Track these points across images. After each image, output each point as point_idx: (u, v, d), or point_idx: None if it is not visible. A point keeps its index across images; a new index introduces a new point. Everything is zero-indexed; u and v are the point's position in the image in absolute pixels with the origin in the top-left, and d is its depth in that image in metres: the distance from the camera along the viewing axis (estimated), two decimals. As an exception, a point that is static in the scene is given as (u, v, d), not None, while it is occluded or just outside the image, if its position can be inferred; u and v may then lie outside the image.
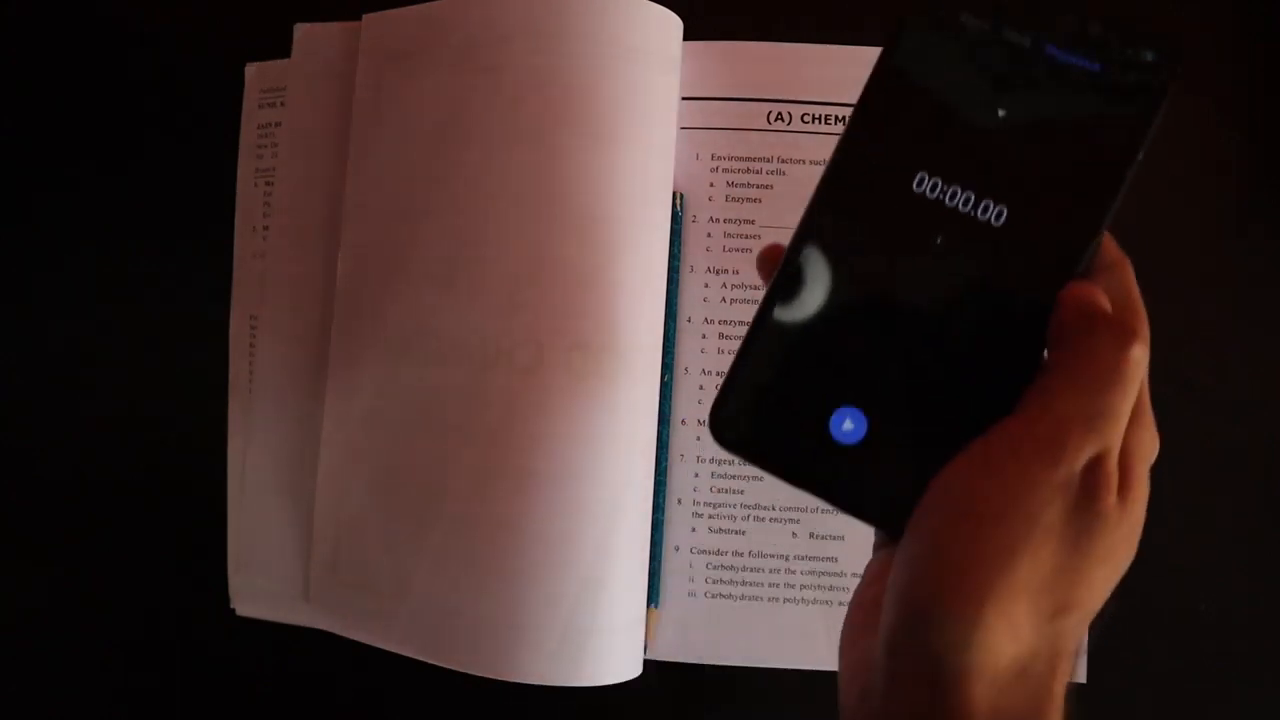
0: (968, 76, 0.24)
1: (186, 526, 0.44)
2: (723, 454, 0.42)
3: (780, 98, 0.42)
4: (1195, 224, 0.41)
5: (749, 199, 0.42)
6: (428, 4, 0.41)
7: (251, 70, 0.44)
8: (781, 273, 0.25)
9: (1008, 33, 0.24)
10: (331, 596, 0.41)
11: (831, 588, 0.41)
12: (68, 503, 0.45)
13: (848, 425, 0.24)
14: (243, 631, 0.43)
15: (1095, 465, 0.21)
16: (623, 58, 0.38)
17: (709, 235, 0.42)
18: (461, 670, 0.38)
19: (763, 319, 0.25)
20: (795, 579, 0.41)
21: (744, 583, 0.41)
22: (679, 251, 0.42)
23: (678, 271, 0.42)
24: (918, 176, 0.24)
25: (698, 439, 0.42)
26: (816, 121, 0.42)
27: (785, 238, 0.25)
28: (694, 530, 0.42)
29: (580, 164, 0.38)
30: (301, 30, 0.43)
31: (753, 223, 0.42)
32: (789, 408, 0.24)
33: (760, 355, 0.25)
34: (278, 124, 0.44)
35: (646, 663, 0.40)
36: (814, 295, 0.24)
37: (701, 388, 0.42)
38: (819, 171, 0.25)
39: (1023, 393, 0.23)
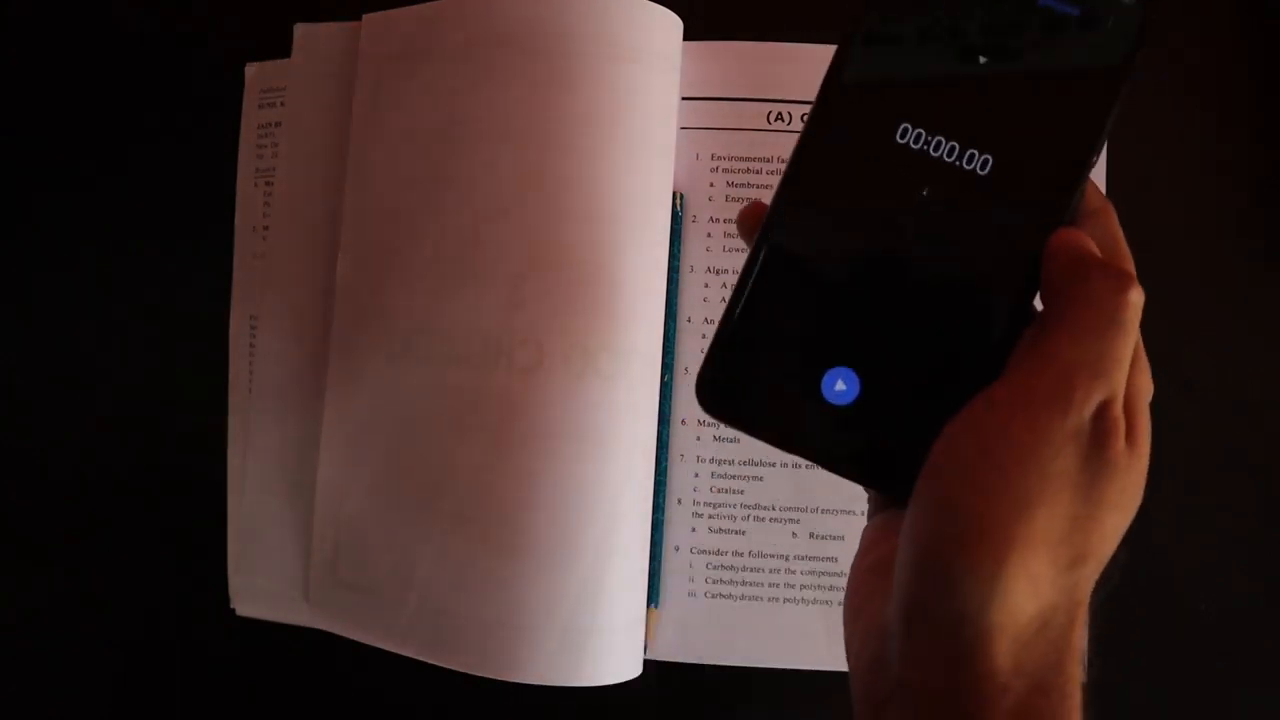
0: (947, 24, 0.24)
1: (186, 526, 0.44)
2: (723, 454, 0.42)
3: (780, 98, 0.42)
4: (1195, 224, 0.41)
5: (749, 199, 0.42)
6: (428, 4, 0.41)
7: (251, 70, 0.44)
8: (765, 233, 0.24)
9: None
10: (331, 596, 0.41)
11: (831, 588, 0.41)
12: (68, 503, 0.45)
13: (840, 386, 0.24)
14: (243, 631, 0.43)
15: (1103, 412, 0.21)
16: (623, 58, 0.38)
17: (709, 235, 0.42)
18: (462, 670, 0.38)
19: (747, 281, 0.24)
20: (795, 579, 0.41)
21: (744, 583, 0.41)
22: (679, 251, 0.42)
23: (678, 271, 0.42)
24: (900, 128, 0.24)
25: (697, 439, 0.42)
26: (816, 121, 0.42)
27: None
28: (694, 530, 0.42)
29: (580, 164, 0.38)
30: (301, 30, 0.43)
31: (753, 223, 0.42)
32: (779, 371, 0.24)
33: (746, 319, 0.24)
34: (278, 124, 0.44)
35: (646, 663, 0.40)
36: (799, 254, 0.24)
37: (701, 388, 0.42)
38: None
39: (1015, 343, 0.23)
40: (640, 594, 0.40)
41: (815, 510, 0.41)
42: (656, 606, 0.41)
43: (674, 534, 0.42)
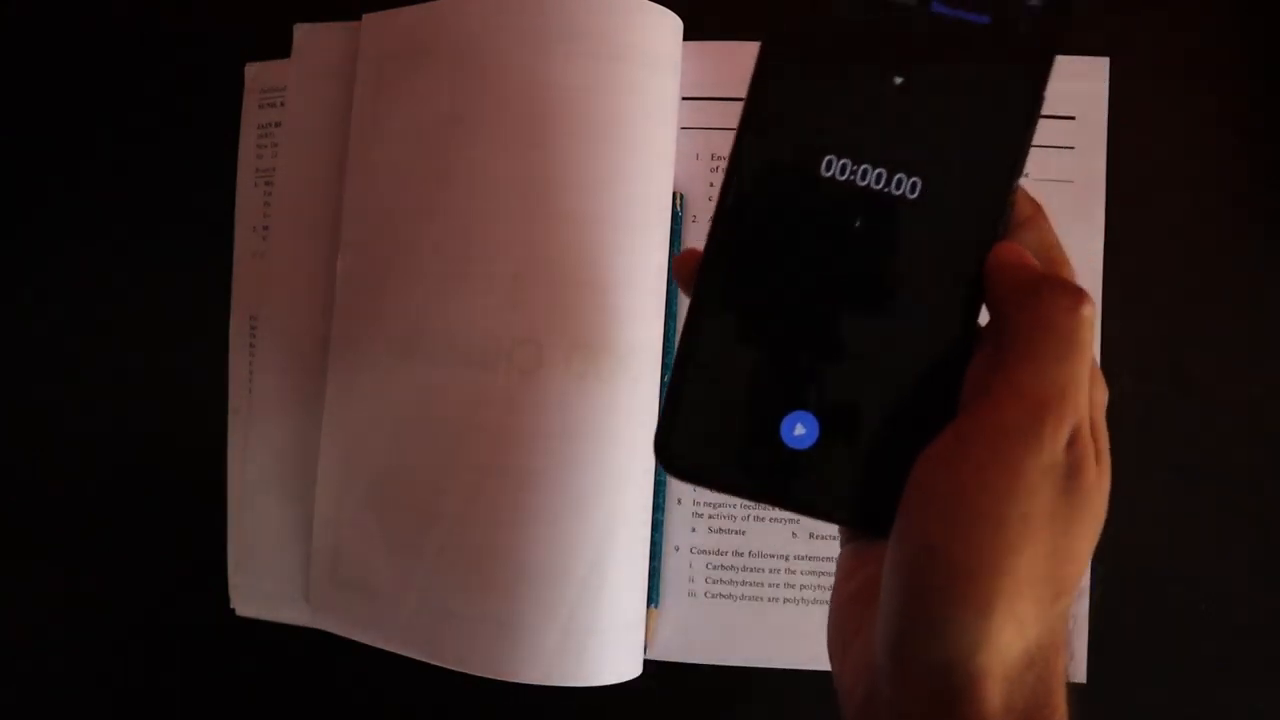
0: (858, 47, 0.23)
1: (186, 526, 0.44)
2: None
3: (780, 98, 0.42)
4: (1195, 224, 0.41)
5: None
6: (428, 4, 0.41)
7: (251, 70, 0.44)
8: (703, 284, 0.24)
9: None
10: (331, 596, 0.41)
11: (831, 588, 0.41)
12: (68, 503, 0.45)
13: (799, 430, 0.23)
14: (243, 631, 0.43)
15: (1073, 441, 0.21)
16: (622, 58, 0.38)
17: (709, 235, 0.42)
18: (461, 670, 0.38)
19: (693, 335, 0.24)
20: (795, 579, 0.41)
21: (744, 583, 0.41)
22: (679, 251, 0.42)
23: (678, 271, 0.42)
24: (825, 160, 0.23)
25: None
26: (816, 121, 0.42)
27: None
28: (694, 530, 0.42)
29: (580, 164, 0.38)
30: (301, 30, 0.43)
31: (753, 223, 0.42)
32: (736, 423, 0.24)
33: (696, 374, 0.24)
34: (278, 124, 0.44)
35: (646, 663, 0.40)
36: (741, 302, 0.24)
37: (701, 388, 0.42)
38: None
39: (968, 362, 0.23)
40: (640, 594, 0.40)
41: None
42: (656, 606, 0.41)
43: (674, 534, 0.42)
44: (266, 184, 0.44)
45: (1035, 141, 0.44)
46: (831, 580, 0.41)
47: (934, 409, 0.22)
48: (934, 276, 0.23)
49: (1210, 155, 0.42)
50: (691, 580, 0.41)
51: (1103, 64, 0.41)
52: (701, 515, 0.42)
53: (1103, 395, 0.23)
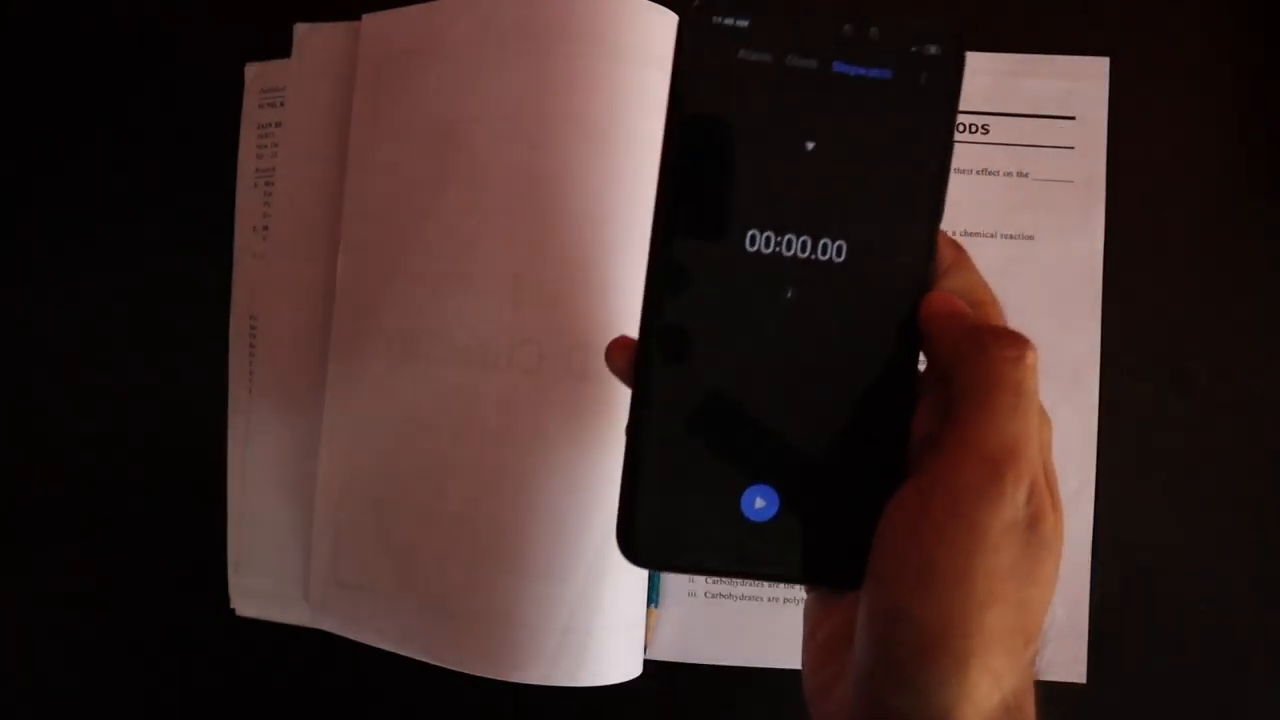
0: (765, 117, 0.23)
1: (186, 526, 0.44)
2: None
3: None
4: (1195, 224, 0.41)
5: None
6: (428, 4, 0.41)
7: (251, 70, 0.44)
8: (642, 374, 0.24)
9: (791, 59, 0.23)
10: (331, 596, 0.41)
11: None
12: (68, 503, 0.45)
13: (760, 503, 0.24)
14: (243, 631, 0.43)
15: (1032, 492, 0.21)
16: (622, 58, 0.38)
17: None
18: (462, 670, 0.38)
19: (639, 427, 0.24)
20: (795, 579, 0.41)
21: (744, 583, 0.41)
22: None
23: (678, 271, 0.42)
24: (748, 236, 0.23)
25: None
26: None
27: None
28: (694, 530, 0.42)
29: (580, 164, 0.38)
30: (301, 30, 0.43)
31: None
32: (697, 507, 0.24)
33: (650, 466, 0.24)
34: (278, 124, 0.44)
35: (646, 663, 0.40)
36: (683, 388, 0.24)
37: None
38: None
39: (914, 412, 0.23)
40: (640, 594, 0.40)
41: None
42: (656, 606, 0.41)
43: (674, 534, 0.42)
44: (266, 184, 0.44)
45: (1035, 141, 0.44)
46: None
47: (887, 463, 0.23)
48: (870, 336, 0.24)
49: (1210, 155, 0.42)
50: (691, 580, 0.41)
51: (1103, 64, 0.41)
52: (701, 515, 0.42)
53: (1049, 432, 0.23)
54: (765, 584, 0.40)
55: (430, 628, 0.39)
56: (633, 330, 0.24)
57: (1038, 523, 0.21)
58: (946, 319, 0.23)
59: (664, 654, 0.41)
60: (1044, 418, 0.23)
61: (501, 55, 0.39)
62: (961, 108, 0.43)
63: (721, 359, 0.24)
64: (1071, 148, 0.41)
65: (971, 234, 0.42)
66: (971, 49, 0.42)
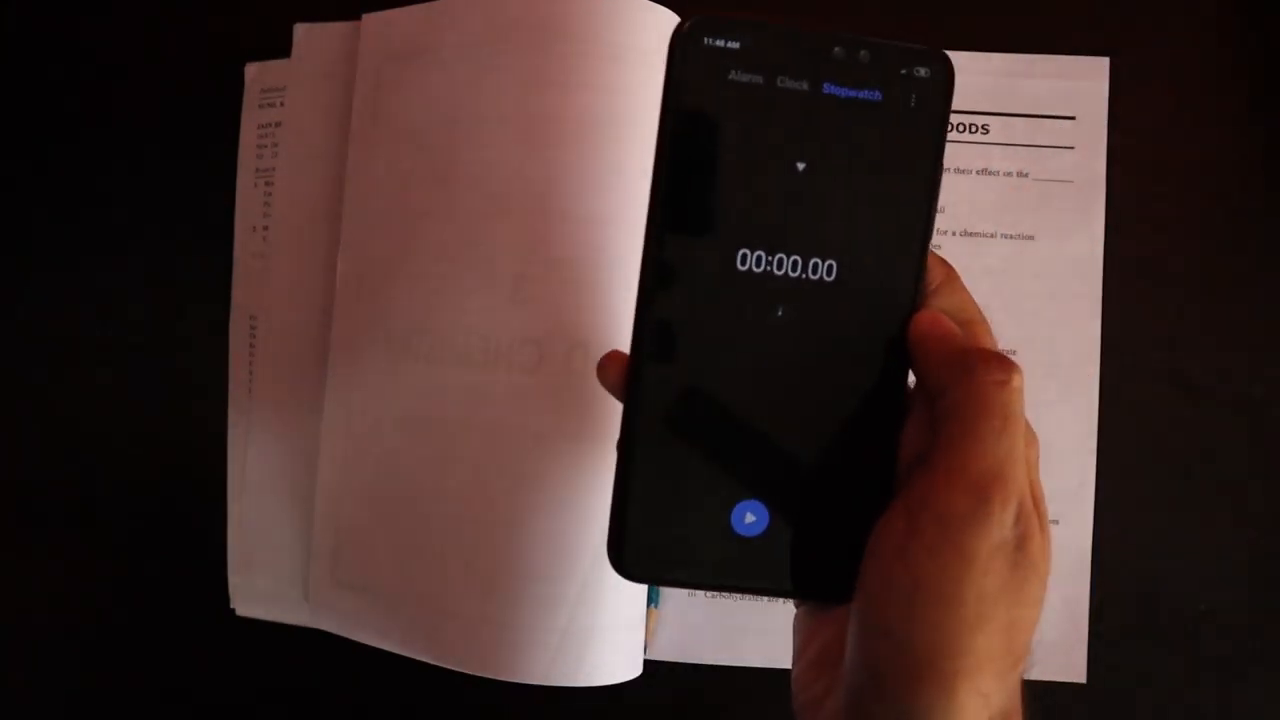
0: (757, 138, 0.23)
1: (186, 526, 0.44)
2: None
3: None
4: (1195, 224, 0.41)
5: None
6: (428, 4, 0.41)
7: (251, 70, 0.44)
8: (634, 390, 0.24)
9: (782, 81, 0.23)
10: (331, 596, 0.41)
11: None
12: (68, 502, 0.45)
13: (750, 518, 0.24)
14: (243, 631, 0.43)
15: (1019, 515, 0.21)
16: (622, 58, 0.38)
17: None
18: (461, 671, 0.38)
19: (631, 443, 0.24)
20: (795, 579, 0.41)
21: (744, 583, 0.41)
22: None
23: (678, 271, 0.42)
24: (739, 255, 0.23)
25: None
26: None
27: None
28: (694, 530, 0.42)
29: (580, 164, 0.38)
30: (301, 30, 0.43)
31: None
32: (687, 523, 0.24)
33: (641, 481, 0.24)
34: (278, 124, 0.44)
35: (646, 663, 0.40)
36: (674, 406, 0.24)
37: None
38: None
39: (902, 428, 0.24)
40: (640, 594, 0.40)
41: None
42: (656, 606, 0.41)
43: (674, 534, 0.42)
44: (266, 184, 0.44)
45: (1035, 141, 0.44)
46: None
47: (876, 479, 0.23)
48: (860, 354, 0.24)
49: (1210, 155, 0.42)
50: (691, 580, 0.41)
51: (1103, 64, 0.41)
52: (701, 515, 0.42)
53: (1036, 452, 0.23)
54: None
55: (430, 628, 0.39)
56: (630, 334, 0.24)
57: (1025, 543, 0.21)
58: (935, 340, 0.23)
59: (664, 654, 0.41)
60: (1030, 436, 0.23)
61: (501, 55, 0.39)
62: (962, 108, 0.43)
63: (712, 376, 0.24)
64: (1071, 148, 0.41)
65: (971, 234, 0.42)
66: (972, 49, 0.42)
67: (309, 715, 0.44)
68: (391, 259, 0.40)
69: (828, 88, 0.23)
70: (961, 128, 0.42)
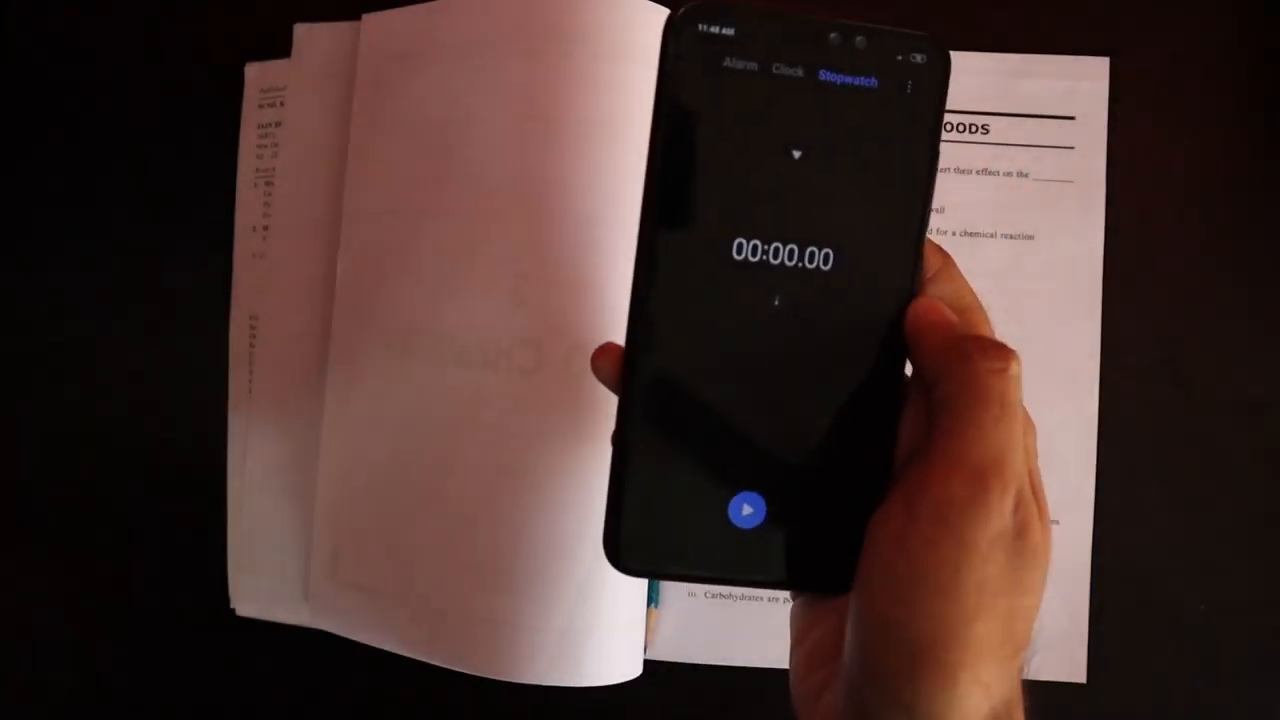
0: (752, 125, 0.23)
1: (186, 526, 0.44)
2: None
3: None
4: (1195, 223, 0.41)
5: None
6: (428, 4, 0.41)
7: (251, 70, 0.44)
8: (629, 382, 0.24)
9: (778, 67, 0.23)
10: (331, 596, 0.41)
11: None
12: (68, 502, 0.45)
13: (747, 510, 0.24)
14: (243, 631, 0.43)
15: (1018, 503, 0.21)
16: (622, 58, 0.38)
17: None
18: (462, 670, 0.38)
19: (626, 434, 0.24)
20: (795, 579, 0.41)
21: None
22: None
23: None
24: (735, 244, 0.23)
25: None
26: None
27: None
28: (694, 530, 0.42)
29: (580, 164, 0.38)
30: (301, 30, 0.43)
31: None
32: (684, 515, 0.24)
33: (637, 473, 0.24)
34: (278, 124, 0.44)
35: (646, 663, 0.40)
36: (671, 395, 0.24)
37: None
38: None
39: (899, 418, 0.23)
40: (640, 594, 0.40)
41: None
42: (656, 606, 0.41)
43: (674, 534, 0.42)
44: (266, 184, 0.44)
45: (1035, 141, 0.44)
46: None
47: (873, 469, 0.23)
48: (857, 342, 0.24)
49: (1210, 155, 0.42)
50: (691, 580, 0.41)
51: (1103, 64, 0.41)
52: (701, 515, 0.42)
53: (1034, 438, 0.23)
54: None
55: (430, 628, 0.39)
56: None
57: (1025, 532, 0.21)
58: (931, 327, 0.23)
59: (664, 654, 0.41)
60: (1029, 424, 0.23)
61: (501, 55, 0.39)
62: (962, 108, 0.43)
63: (708, 366, 0.24)
64: (1071, 148, 0.41)
65: (971, 234, 0.42)
66: (972, 49, 0.42)
67: (309, 715, 0.44)
68: (391, 259, 0.40)
69: (823, 74, 0.23)
70: (961, 128, 0.42)
